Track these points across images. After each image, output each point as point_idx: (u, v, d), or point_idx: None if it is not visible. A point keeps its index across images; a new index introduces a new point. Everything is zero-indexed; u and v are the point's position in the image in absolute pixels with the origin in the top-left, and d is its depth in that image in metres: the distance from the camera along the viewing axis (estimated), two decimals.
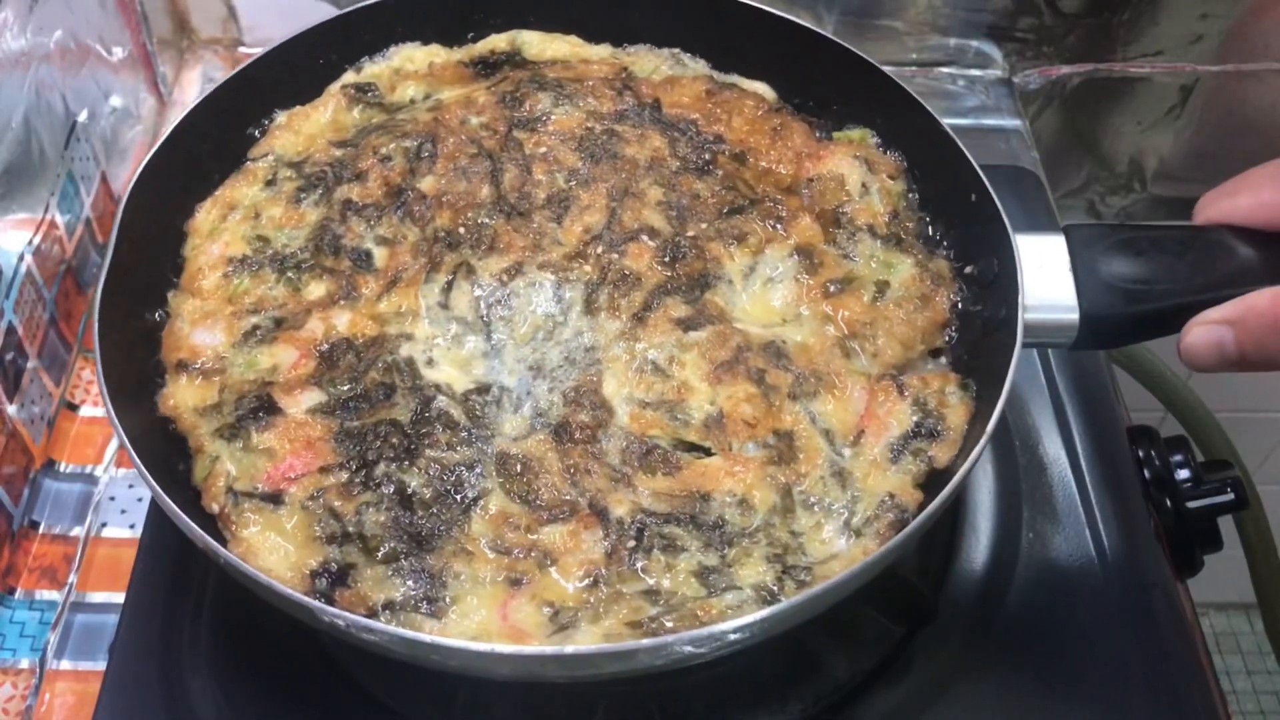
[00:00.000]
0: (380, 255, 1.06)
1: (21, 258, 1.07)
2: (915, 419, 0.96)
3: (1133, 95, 1.57)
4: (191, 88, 1.53)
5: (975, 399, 0.97)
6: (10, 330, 1.03)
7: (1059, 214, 1.37)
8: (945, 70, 1.57)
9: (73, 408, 1.16)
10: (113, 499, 1.13)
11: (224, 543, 0.88)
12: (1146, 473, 1.11)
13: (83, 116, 1.19)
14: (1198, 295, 0.94)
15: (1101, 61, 1.54)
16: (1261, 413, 2.02)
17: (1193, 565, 1.09)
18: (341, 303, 1.02)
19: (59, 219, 1.13)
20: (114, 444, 1.20)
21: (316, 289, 1.04)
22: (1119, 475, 1.11)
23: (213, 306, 1.02)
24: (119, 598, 1.01)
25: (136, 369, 0.97)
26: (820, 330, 1.02)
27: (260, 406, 0.95)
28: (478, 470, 0.93)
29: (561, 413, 0.96)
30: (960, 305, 1.05)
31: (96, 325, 0.92)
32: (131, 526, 1.10)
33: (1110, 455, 1.12)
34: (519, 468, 0.93)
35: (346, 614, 0.79)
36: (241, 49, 1.56)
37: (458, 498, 0.91)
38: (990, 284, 1.02)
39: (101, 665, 0.99)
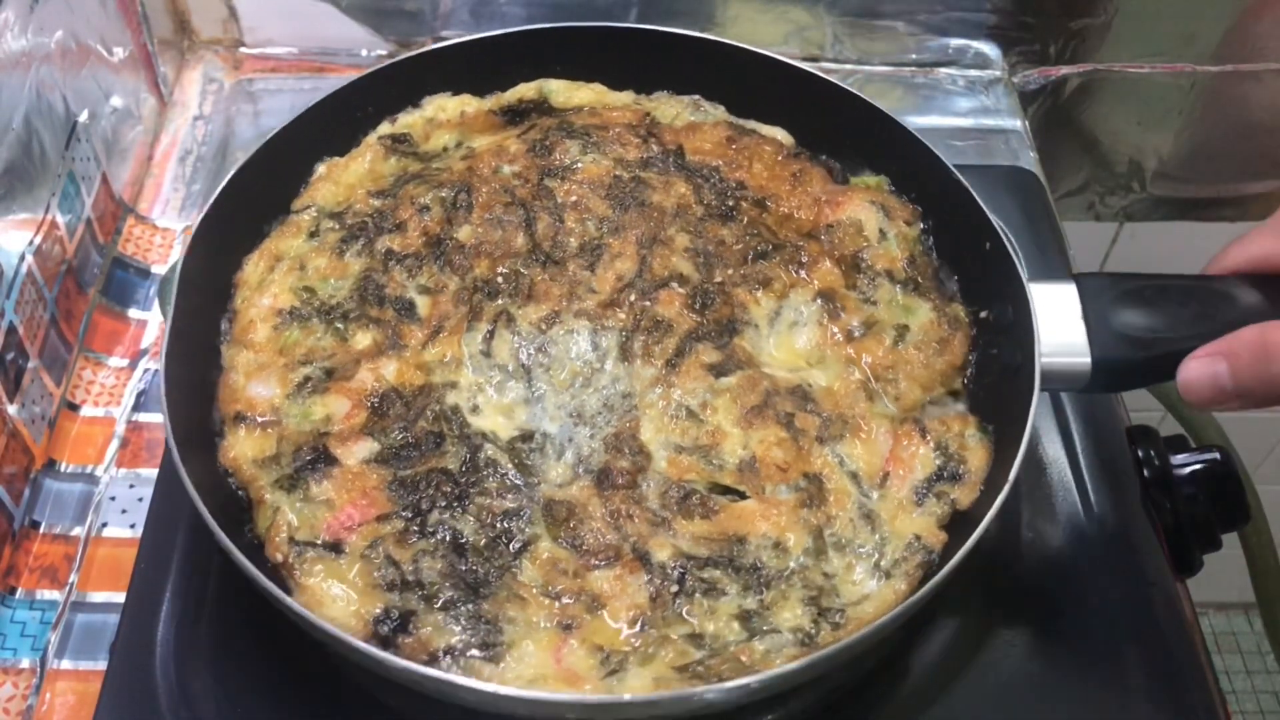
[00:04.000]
0: (423, 304, 1.11)
1: (22, 258, 1.07)
2: (938, 462, 1.02)
3: (1132, 95, 1.57)
4: (192, 88, 1.53)
5: (994, 442, 1.03)
6: (11, 330, 1.03)
7: (1059, 214, 1.40)
8: (945, 70, 1.55)
9: (73, 408, 1.17)
10: (113, 499, 1.13)
11: (288, 592, 0.93)
12: (1146, 473, 1.13)
13: (83, 117, 1.20)
14: (1201, 342, 1.00)
15: (1101, 62, 1.54)
16: (1261, 413, 1.95)
17: (1192, 565, 1.10)
18: (388, 352, 1.07)
19: (60, 219, 1.13)
20: (114, 444, 1.19)
21: (363, 339, 1.08)
22: (1118, 475, 1.12)
23: (265, 359, 1.07)
24: (119, 597, 1.01)
25: (196, 423, 1.02)
26: (844, 373, 1.08)
27: (317, 457, 0.99)
28: (525, 517, 0.98)
29: (603, 459, 1.01)
30: (976, 349, 1.10)
31: (164, 381, 0.96)
32: (132, 526, 1.11)
33: (1110, 455, 1.14)
34: (565, 514, 0.98)
35: (420, 668, 0.84)
36: (242, 49, 1.56)
37: (508, 544, 0.96)
38: (1005, 329, 1.08)
39: (102, 665, 0.99)
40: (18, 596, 1.03)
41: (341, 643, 0.86)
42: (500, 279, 1.11)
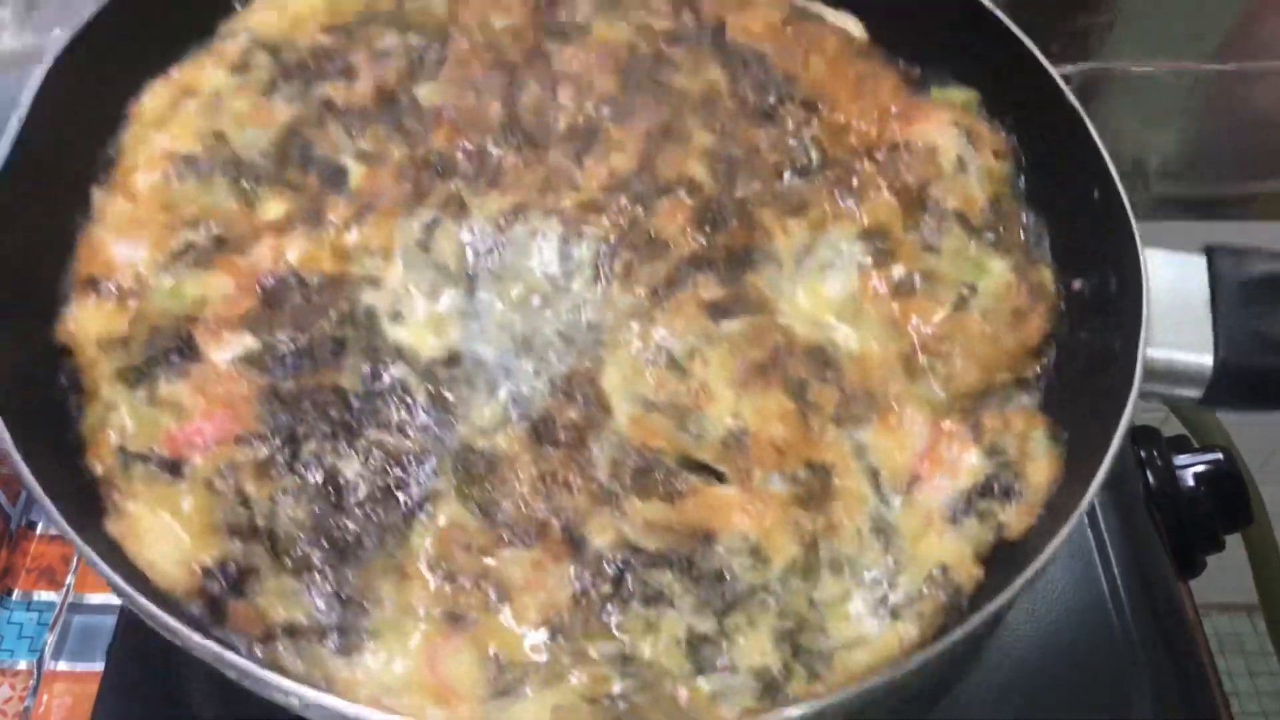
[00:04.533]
0: (357, 174, 0.86)
1: None
2: (988, 470, 0.76)
3: (1135, 94, 1.50)
4: None
5: (1066, 454, 0.77)
6: None
7: None
8: None
9: None
10: None
11: (103, 514, 0.71)
12: (1149, 473, 1.06)
13: None
14: None
15: (1104, 60, 1.47)
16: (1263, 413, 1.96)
17: (1195, 566, 1.05)
18: (300, 228, 0.83)
19: None
20: None
21: (275, 207, 0.84)
22: (1121, 475, 1.04)
23: (145, 213, 0.83)
24: (117, 599, 0.94)
25: (39, 284, 0.79)
26: (883, 337, 0.82)
27: (177, 347, 0.76)
28: (430, 465, 0.74)
29: (545, 404, 0.77)
30: (1060, 328, 0.84)
31: None
32: None
33: None
34: (482, 468, 0.74)
35: (223, 650, 0.61)
36: None
37: (400, 498, 0.73)
38: (1103, 307, 0.82)
39: (99, 667, 0.95)
40: (14, 598, 1.03)
41: (135, 603, 0.63)
42: (460, 156, 0.87)
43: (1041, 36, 1.39)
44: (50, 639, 1.00)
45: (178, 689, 0.90)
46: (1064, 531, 0.68)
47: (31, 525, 1.06)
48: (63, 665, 0.99)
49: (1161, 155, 1.58)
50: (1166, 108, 1.52)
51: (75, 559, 1.05)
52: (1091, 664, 0.95)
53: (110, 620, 0.97)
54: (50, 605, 1.02)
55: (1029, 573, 0.67)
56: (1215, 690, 0.97)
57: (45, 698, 0.97)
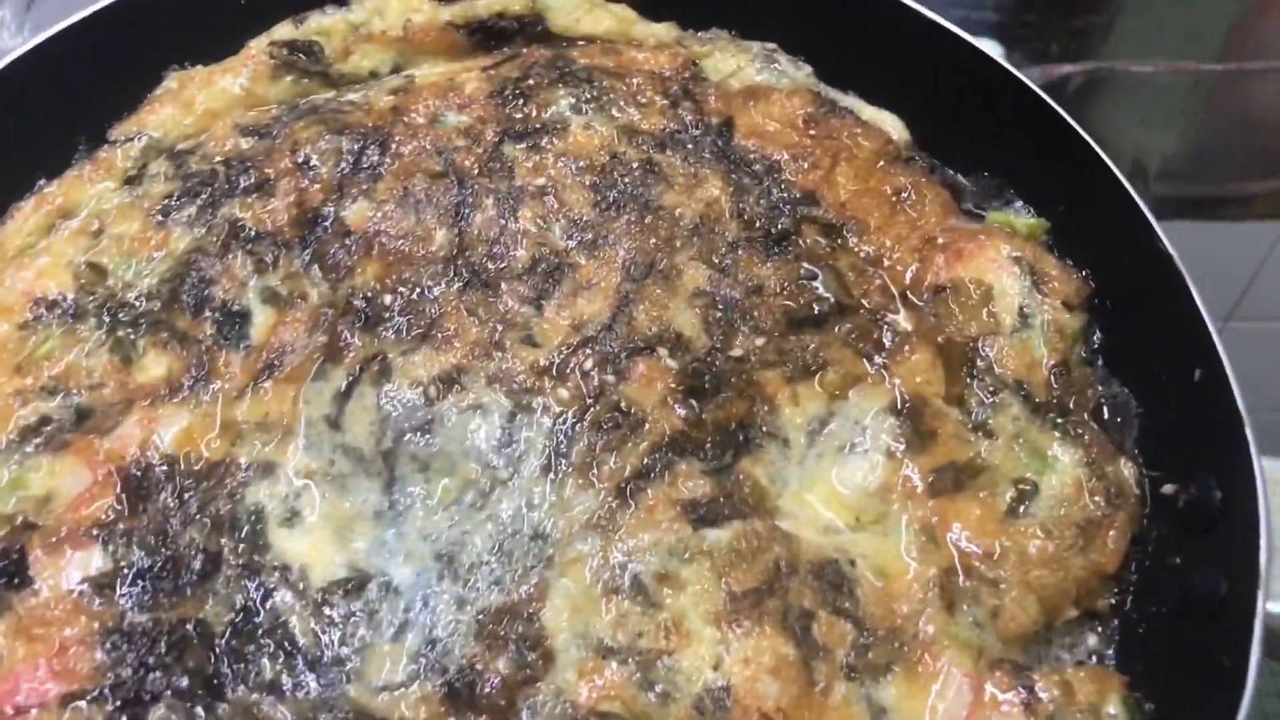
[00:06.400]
0: (262, 321, 0.70)
1: None
2: None
3: (1135, 94, 1.50)
4: None
5: None
6: None
7: None
8: None
9: None
10: None
11: None
12: None
13: None
14: None
15: (1104, 59, 1.50)
16: (1263, 412, 1.95)
17: None
18: (183, 394, 0.66)
19: None
20: None
21: (155, 365, 0.68)
22: None
23: None
24: None
25: None
26: (915, 551, 0.64)
27: (4, 568, 0.60)
28: None
29: (469, 652, 0.60)
30: (1148, 550, 0.65)
31: None
32: None
33: None
34: None
35: None
36: None
37: None
38: (1205, 526, 0.63)
39: None
40: None
41: None
42: (390, 299, 0.70)
43: (1042, 36, 1.41)
44: None
45: None
46: None
47: None
48: None
49: (1161, 156, 1.57)
50: (1166, 108, 1.52)
51: None
52: None
53: None
54: None
55: None
56: None
57: None
